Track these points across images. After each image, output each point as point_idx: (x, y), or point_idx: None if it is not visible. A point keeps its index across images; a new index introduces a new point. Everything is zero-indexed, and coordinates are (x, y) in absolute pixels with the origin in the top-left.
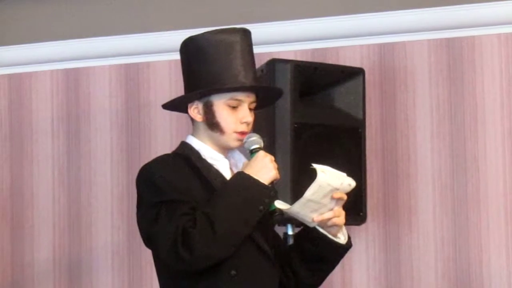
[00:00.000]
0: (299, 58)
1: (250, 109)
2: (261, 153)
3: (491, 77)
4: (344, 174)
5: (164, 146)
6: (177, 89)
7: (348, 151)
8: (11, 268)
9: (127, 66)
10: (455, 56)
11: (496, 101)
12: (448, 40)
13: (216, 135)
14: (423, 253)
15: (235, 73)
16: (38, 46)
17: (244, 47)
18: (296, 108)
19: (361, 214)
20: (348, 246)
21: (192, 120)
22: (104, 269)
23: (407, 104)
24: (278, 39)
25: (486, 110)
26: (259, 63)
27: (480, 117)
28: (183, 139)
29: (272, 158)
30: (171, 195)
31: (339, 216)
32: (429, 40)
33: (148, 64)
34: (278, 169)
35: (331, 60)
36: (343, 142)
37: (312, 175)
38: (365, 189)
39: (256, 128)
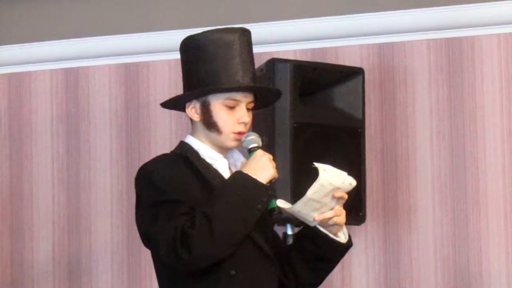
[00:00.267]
0: (298, 58)
1: (248, 109)
2: (259, 152)
3: (491, 77)
4: (345, 173)
5: (163, 145)
6: (177, 89)
7: (347, 151)
8: (10, 268)
9: (127, 65)
10: (454, 56)
11: (496, 101)
12: (448, 40)
13: (214, 135)
14: (423, 252)
15: (232, 73)
16: (37, 45)
17: (243, 47)
18: (295, 108)
19: (360, 213)
20: (348, 245)
21: (191, 119)
22: (104, 269)
23: (407, 104)
24: (278, 38)
25: (486, 110)
26: (258, 62)
27: (480, 117)
28: (182, 139)
29: (271, 157)
30: (170, 195)
31: (340, 215)
32: (428, 40)
33: (147, 63)
34: (277, 168)
35: (330, 60)
36: (342, 142)
37: (313, 174)
38: (364, 188)
39: (256, 127)
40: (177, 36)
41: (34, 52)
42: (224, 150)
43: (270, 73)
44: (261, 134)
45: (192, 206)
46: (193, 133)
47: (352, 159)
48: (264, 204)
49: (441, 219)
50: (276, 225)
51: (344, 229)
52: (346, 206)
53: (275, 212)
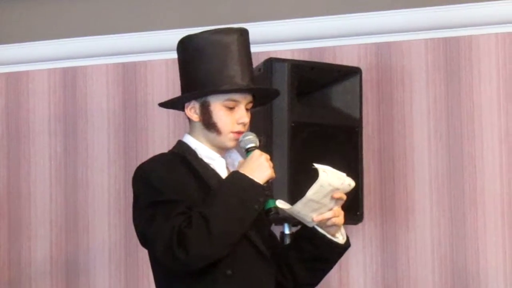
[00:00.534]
0: (296, 57)
1: (246, 109)
2: (257, 152)
3: (488, 76)
4: (344, 174)
5: (161, 144)
6: (174, 88)
7: (345, 150)
8: (8, 267)
9: (125, 65)
10: (452, 56)
11: (493, 101)
12: (445, 39)
13: (213, 135)
14: (420, 252)
15: (232, 74)
16: (35, 44)
17: (241, 47)
18: (293, 107)
19: (358, 213)
20: (346, 245)
21: (189, 119)
22: (101, 268)
23: (404, 104)
24: (276, 38)
25: (483, 109)
26: (256, 62)
27: (477, 116)
28: (180, 138)
29: (268, 157)
30: (167, 194)
31: (339, 216)
32: (426, 40)
33: (145, 63)
34: (274, 168)
35: (328, 59)
36: (340, 141)
37: (311, 174)
38: (362, 188)
39: (253, 127)
40: (175, 35)
41: (31, 52)
42: (222, 150)
43: (267, 72)
44: (259, 134)
45: (189, 206)
46: (191, 132)
47: (349, 159)
48: (261, 204)
49: (438, 219)
50: (273, 224)
51: (342, 229)
52: (344, 206)
53: (272, 212)
